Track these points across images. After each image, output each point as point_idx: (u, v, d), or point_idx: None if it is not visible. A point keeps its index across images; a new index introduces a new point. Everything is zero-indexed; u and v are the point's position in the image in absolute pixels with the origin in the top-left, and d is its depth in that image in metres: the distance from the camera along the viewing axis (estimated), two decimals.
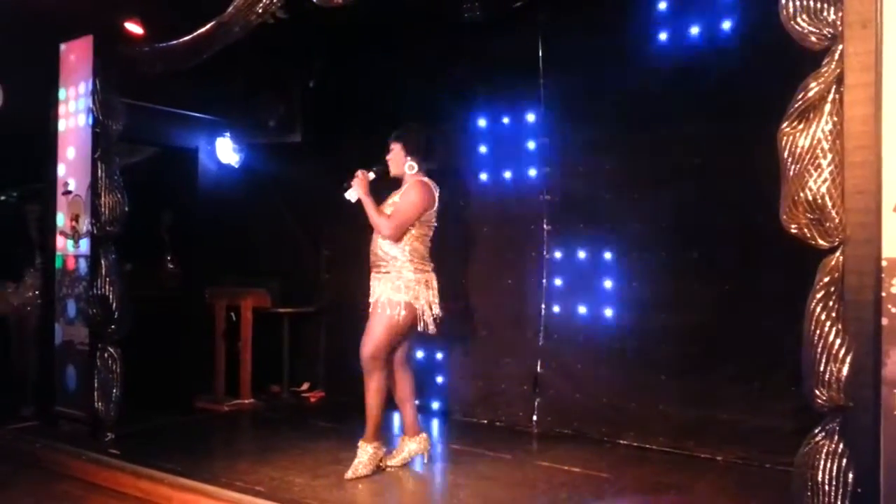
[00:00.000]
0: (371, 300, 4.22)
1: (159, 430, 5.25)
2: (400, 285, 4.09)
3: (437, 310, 4.18)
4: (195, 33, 4.52)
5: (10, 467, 4.71)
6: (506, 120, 5.56)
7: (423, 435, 4.37)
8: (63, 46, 5.34)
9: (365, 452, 4.14)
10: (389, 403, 4.33)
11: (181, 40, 4.63)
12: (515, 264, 5.51)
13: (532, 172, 5.42)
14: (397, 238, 4.11)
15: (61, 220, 5.34)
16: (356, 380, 6.10)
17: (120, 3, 5.08)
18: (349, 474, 4.08)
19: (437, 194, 4.22)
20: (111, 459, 4.47)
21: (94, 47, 5.08)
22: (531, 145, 5.42)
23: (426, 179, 4.22)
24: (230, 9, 4.25)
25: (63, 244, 5.31)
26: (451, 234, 5.77)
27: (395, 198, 4.22)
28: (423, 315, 4.12)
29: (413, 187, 4.17)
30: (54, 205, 5.38)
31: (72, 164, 5.25)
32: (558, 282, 5.31)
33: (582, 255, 5.19)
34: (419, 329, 4.15)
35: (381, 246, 4.18)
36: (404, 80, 5.88)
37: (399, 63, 5.86)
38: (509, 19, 5.24)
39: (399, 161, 4.27)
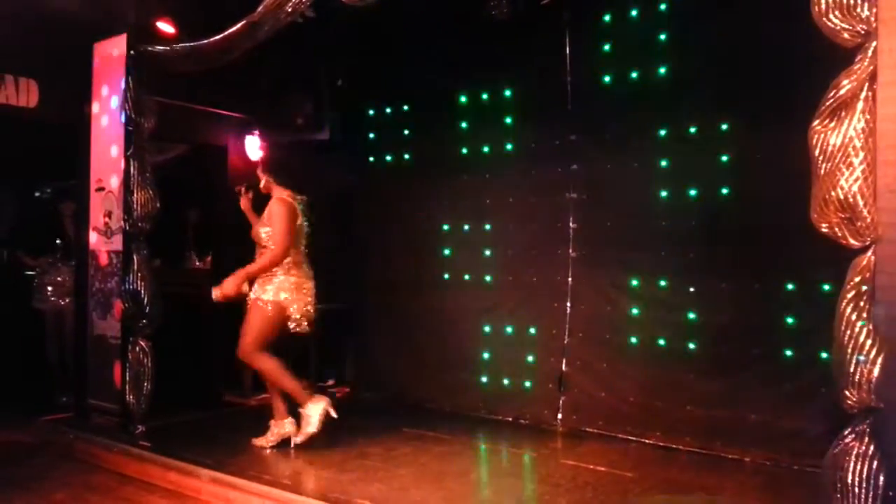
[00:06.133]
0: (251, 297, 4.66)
1: (188, 423, 5.33)
2: (269, 287, 4.55)
3: (305, 309, 4.61)
4: (225, 32, 4.57)
5: (45, 458, 4.84)
6: (533, 117, 5.55)
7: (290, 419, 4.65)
8: (96, 45, 5.43)
9: (310, 413, 4.51)
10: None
11: (212, 39, 4.69)
12: (540, 262, 5.50)
13: (559, 170, 5.40)
14: (286, 254, 4.56)
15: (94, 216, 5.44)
16: (382, 376, 6.23)
17: (152, 2, 5.15)
18: (300, 439, 4.54)
19: (295, 207, 4.64)
20: (142, 452, 4.56)
21: (126, 46, 5.16)
22: (558, 143, 5.40)
23: (285, 196, 4.65)
24: (260, 8, 4.29)
25: (96, 240, 5.41)
26: (477, 232, 5.83)
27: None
28: (292, 315, 4.56)
29: (276, 204, 4.61)
30: (87, 201, 5.48)
31: (104, 162, 5.34)
32: (584, 280, 5.29)
33: (608, 253, 5.17)
34: (291, 328, 4.59)
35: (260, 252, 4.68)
36: (431, 78, 5.90)
37: (426, 61, 5.88)
38: (536, 18, 5.24)
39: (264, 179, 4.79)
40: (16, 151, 6.39)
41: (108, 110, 5.34)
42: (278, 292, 4.55)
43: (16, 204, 7.87)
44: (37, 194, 8.12)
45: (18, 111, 5.57)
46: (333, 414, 4.53)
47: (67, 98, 5.63)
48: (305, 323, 4.64)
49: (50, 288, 6.54)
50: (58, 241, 6.50)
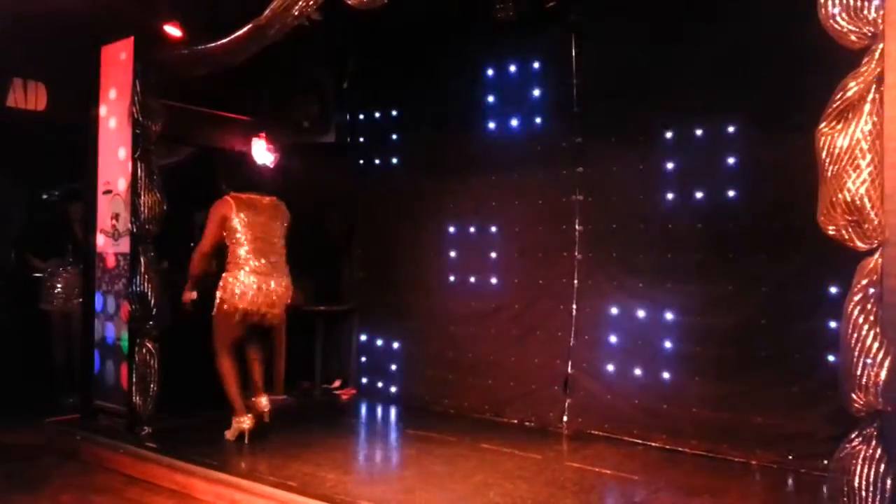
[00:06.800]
0: None
1: (194, 424, 5.33)
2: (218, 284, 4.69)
3: (249, 300, 4.60)
4: (232, 35, 4.59)
5: (53, 459, 4.86)
6: (539, 119, 5.56)
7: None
8: (104, 49, 5.45)
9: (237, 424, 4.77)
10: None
11: (219, 42, 4.71)
12: (546, 264, 5.50)
13: (564, 172, 5.40)
14: (205, 253, 4.76)
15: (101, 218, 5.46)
16: (387, 378, 6.23)
17: (160, 6, 5.18)
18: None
19: (233, 205, 4.69)
20: (148, 453, 4.57)
21: (134, 50, 5.18)
22: (564, 144, 5.40)
23: (227, 197, 4.76)
24: (267, 11, 4.31)
25: (104, 242, 5.43)
26: (482, 234, 5.84)
27: None
28: (238, 309, 4.59)
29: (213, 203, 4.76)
30: (95, 204, 5.50)
31: (112, 164, 5.36)
32: (589, 282, 5.29)
33: (614, 255, 5.17)
34: (244, 323, 4.66)
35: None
36: (437, 80, 5.91)
37: (432, 63, 5.89)
38: (542, 19, 5.25)
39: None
40: (24, 154, 6.42)
41: (115, 113, 5.36)
42: (214, 293, 4.66)
43: (24, 206, 7.91)
44: (45, 197, 8.15)
45: (27, 114, 5.60)
46: (246, 440, 4.71)
47: (75, 101, 5.66)
48: (257, 318, 4.67)
49: (58, 290, 6.57)
50: (68, 245, 6.53)
